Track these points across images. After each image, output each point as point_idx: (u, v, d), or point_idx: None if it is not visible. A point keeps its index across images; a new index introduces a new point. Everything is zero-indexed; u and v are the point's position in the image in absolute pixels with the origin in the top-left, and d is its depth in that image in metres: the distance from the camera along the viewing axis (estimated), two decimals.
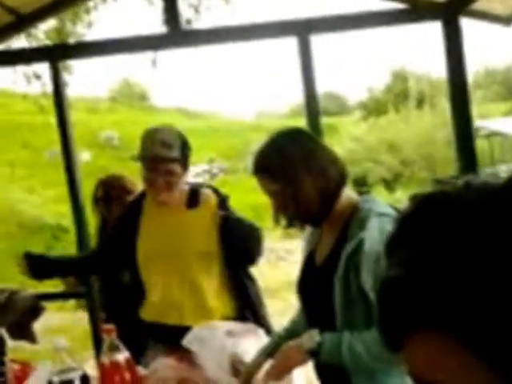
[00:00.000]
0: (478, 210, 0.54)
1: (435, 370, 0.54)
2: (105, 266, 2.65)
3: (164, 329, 2.36)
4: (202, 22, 6.99)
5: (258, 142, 1.77)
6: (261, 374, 1.78)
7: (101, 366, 1.81)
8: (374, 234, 1.54)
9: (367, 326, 1.59)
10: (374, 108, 24.10)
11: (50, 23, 7.08)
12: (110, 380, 1.79)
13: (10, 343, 2.13)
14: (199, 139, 21.42)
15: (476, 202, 0.55)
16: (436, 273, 0.53)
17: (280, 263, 11.02)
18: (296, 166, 1.64)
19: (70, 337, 1.93)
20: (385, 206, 1.67)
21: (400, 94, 23.51)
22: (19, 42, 5.94)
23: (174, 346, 2.10)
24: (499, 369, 0.51)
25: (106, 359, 1.79)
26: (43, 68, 6.39)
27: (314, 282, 1.75)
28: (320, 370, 1.77)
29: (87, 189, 3.18)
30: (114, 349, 1.79)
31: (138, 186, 2.84)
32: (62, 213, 10.69)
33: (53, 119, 3.32)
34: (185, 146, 2.38)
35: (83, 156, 15.83)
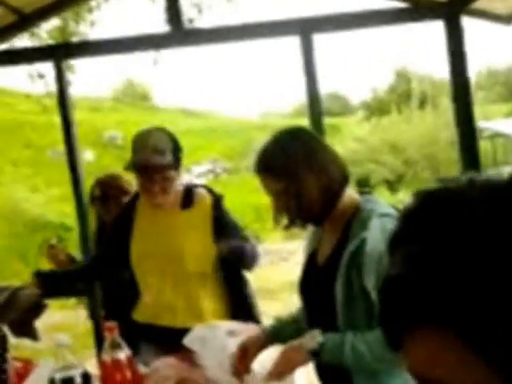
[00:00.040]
0: (482, 207, 0.54)
1: (434, 366, 0.54)
2: (107, 270, 2.64)
3: (156, 330, 2.36)
4: (204, 21, 6.98)
5: (260, 141, 1.76)
6: (262, 374, 1.79)
7: (102, 364, 1.82)
8: (376, 234, 1.55)
9: (368, 326, 1.59)
10: (377, 108, 24.07)
11: (52, 23, 7.10)
12: (111, 378, 1.79)
13: (12, 340, 2.14)
14: (202, 139, 21.43)
15: (480, 199, 0.55)
16: (437, 270, 0.53)
17: (282, 264, 11.02)
18: (299, 164, 1.65)
19: (72, 335, 1.93)
20: (387, 207, 1.68)
21: (403, 94, 23.48)
22: (22, 41, 5.97)
23: (166, 348, 2.11)
24: (498, 366, 0.51)
25: (107, 357, 1.79)
26: (46, 67, 6.41)
27: (315, 282, 1.75)
28: (321, 371, 1.77)
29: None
30: (115, 347, 1.80)
31: (135, 185, 2.85)
32: (66, 212, 10.71)
33: (56, 119, 3.33)
34: (176, 149, 2.36)
35: (86, 155, 15.84)
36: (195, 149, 19.98)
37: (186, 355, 1.96)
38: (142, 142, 2.32)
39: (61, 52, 3.27)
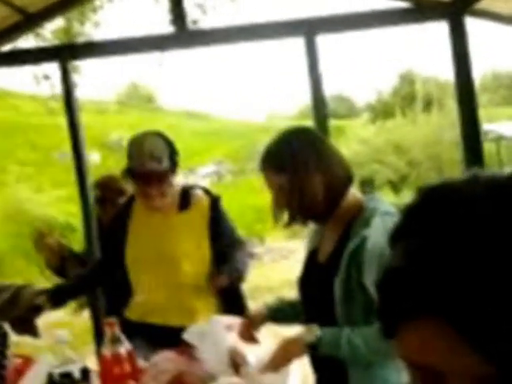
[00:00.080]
0: (486, 203, 0.55)
1: (428, 354, 0.56)
2: (107, 275, 2.64)
3: (148, 328, 2.37)
4: (208, 22, 6.98)
5: (265, 143, 1.78)
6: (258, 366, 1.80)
7: (102, 359, 1.83)
8: (378, 232, 1.56)
9: (366, 321, 1.60)
10: (382, 110, 24.06)
11: (57, 23, 7.12)
12: (110, 372, 1.81)
13: (13, 338, 2.15)
14: (207, 140, 21.45)
15: (484, 195, 0.56)
16: (436, 264, 0.54)
17: (283, 262, 11.08)
18: (304, 161, 1.66)
19: (71, 332, 1.94)
20: (389, 206, 1.69)
21: (407, 96, 23.45)
22: (27, 42, 5.99)
23: (158, 345, 2.12)
24: (490, 354, 0.53)
25: (107, 351, 1.81)
26: (52, 69, 6.43)
27: (316, 279, 1.76)
28: (316, 364, 1.79)
29: None
30: (115, 341, 1.81)
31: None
32: (71, 212, 10.74)
33: (61, 120, 3.34)
34: (173, 153, 2.35)
35: (93, 157, 15.86)
36: (200, 150, 20.00)
37: (186, 349, 1.98)
38: (138, 149, 2.31)
39: (66, 53, 3.29)
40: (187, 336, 1.95)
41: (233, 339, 1.93)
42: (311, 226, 1.88)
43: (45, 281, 3.37)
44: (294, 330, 1.76)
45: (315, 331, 1.61)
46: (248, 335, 1.93)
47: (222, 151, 20.72)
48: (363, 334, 1.57)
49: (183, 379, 1.87)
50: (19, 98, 20.94)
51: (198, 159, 19.19)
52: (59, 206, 13.38)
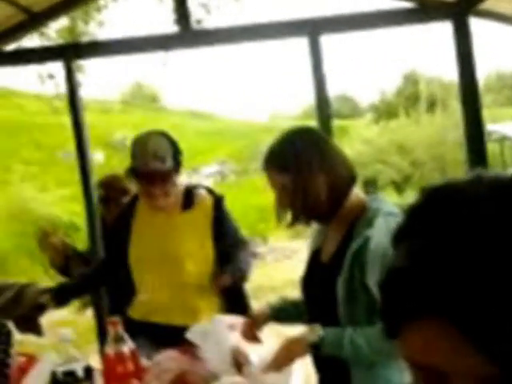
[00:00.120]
0: (490, 204, 0.55)
1: (431, 354, 0.56)
2: (111, 275, 2.64)
3: (151, 327, 2.37)
4: (212, 22, 6.98)
5: (269, 143, 1.78)
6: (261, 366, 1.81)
7: (105, 357, 1.83)
8: (381, 233, 1.56)
9: (369, 322, 1.60)
10: (386, 111, 24.04)
11: (61, 22, 7.13)
12: (113, 371, 1.81)
13: (17, 336, 2.15)
14: (210, 140, 21.45)
15: (487, 195, 0.56)
16: (440, 264, 0.54)
17: (286, 262, 11.09)
18: (308, 161, 1.66)
19: (75, 330, 1.94)
20: (392, 206, 1.69)
21: (411, 96, 23.42)
22: (32, 41, 6.01)
23: (161, 345, 2.12)
24: (493, 355, 0.53)
25: (110, 350, 1.81)
26: (56, 68, 6.45)
27: (319, 279, 1.76)
28: (319, 365, 1.79)
29: None
30: (118, 340, 1.81)
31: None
32: (75, 211, 10.76)
33: (66, 120, 3.34)
34: (177, 152, 2.35)
35: (97, 156, 15.88)
36: (204, 150, 20.00)
37: (189, 349, 1.98)
38: (142, 149, 2.31)
39: (70, 52, 3.30)
40: (190, 335, 1.95)
41: (235, 339, 1.93)
42: (314, 226, 1.88)
43: (49, 280, 3.37)
44: (296, 330, 1.76)
45: (318, 331, 1.61)
46: (251, 335, 1.93)
47: (226, 151, 20.73)
48: (366, 334, 1.57)
49: (186, 378, 1.87)
50: (24, 97, 20.97)
51: (201, 159, 19.20)
52: (63, 206, 13.41)
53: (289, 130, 1.76)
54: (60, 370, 1.75)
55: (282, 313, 1.94)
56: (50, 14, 3.32)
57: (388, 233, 1.53)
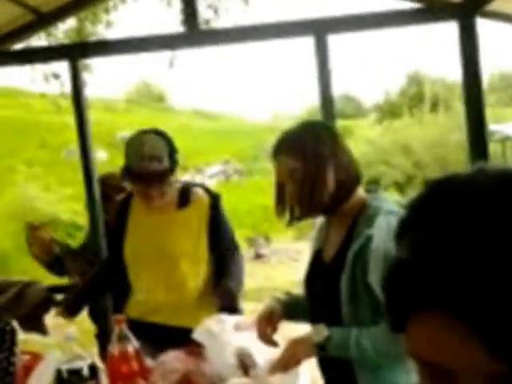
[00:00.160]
0: (495, 197, 0.54)
1: (437, 349, 0.55)
2: (113, 273, 2.59)
3: (148, 327, 2.36)
4: (220, 22, 6.97)
5: (272, 143, 1.77)
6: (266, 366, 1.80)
7: (109, 356, 1.83)
8: (382, 232, 1.56)
9: (373, 321, 1.59)
10: (389, 111, 24.00)
11: (69, 23, 7.14)
12: (118, 370, 1.81)
13: (22, 335, 2.16)
14: (215, 140, 21.44)
15: (493, 188, 0.56)
16: (444, 256, 0.54)
17: (290, 263, 11.06)
18: (321, 151, 1.66)
19: (79, 329, 1.94)
20: (393, 204, 1.69)
21: (415, 97, 23.37)
22: (39, 41, 6.02)
23: (158, 345, 2.11)
24: (501, 350, 0.52)
25: (114, 349, 1.81)
26: (62, 67, 6.46)
27: (321, 279, 1.76)
28: (324, 367, 1.78)
29: None
30: (123, 339, 1.81)
31: None
32: (79, 210, 10.77)
33: (70, 119, 3.34)
34: (173, 152, 2.33)
35: (101, 155, 15.89)
36: (208, 150, 20.00)
37: (194, 349, 1.97)
38: (138, 149, 2.28)
39: (77, 51, 3.29)
40: (196, 335, 1.93)
41: (242, 339, 1.91)
42: (316, 226, 1.88)
43: (51, 279, 3.37)
44: (296, 330, 1.76)
45: (323, 331, 1.61)
46: (267, 338, 1.84)
47: (229, 151, 20.72)
48: (371, 336, 1.56)
49: (192, 379, 1.86)
50: (30, 96, 21.01)
51: (205, 158, 19.20)
52: (67, 205, 13.42)
53: (305, 120, 1.77)
54: (65, 368, 1.74)
55: (293, 311, 1.89)
56: (59, 14, 3.32)
57: (389, 231, 1.53)
